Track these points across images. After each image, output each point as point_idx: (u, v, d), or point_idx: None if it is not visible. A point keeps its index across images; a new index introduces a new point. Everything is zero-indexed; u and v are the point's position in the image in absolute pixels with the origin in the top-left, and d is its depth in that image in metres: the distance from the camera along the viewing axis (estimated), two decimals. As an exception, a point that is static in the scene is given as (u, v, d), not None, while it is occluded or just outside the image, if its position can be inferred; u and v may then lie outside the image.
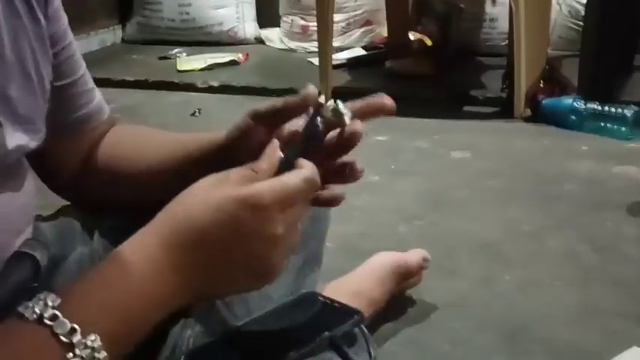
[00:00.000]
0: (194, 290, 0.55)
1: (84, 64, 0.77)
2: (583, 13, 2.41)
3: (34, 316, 0.48)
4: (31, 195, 0.72)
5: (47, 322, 0.48)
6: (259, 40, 3.30)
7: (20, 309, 0.48)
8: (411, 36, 2.78)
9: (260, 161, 0.57)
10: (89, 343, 0.48)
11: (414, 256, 1.14)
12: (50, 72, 0.70)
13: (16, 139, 0.64)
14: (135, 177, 0.77)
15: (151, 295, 0.53)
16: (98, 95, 0.79)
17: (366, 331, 0.76)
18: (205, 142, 0.70)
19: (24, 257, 0.68)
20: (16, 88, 0.64)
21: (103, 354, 0.48)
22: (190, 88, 2.64)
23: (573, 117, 2.08)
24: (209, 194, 0.55)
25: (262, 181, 0.55)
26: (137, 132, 0.82)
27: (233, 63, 2.91)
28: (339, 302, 0.74)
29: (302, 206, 0.56)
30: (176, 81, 2.69)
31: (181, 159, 0.73)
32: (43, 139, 0.69)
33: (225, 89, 2.60)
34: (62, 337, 0.47)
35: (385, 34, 2.92)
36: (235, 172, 0.57)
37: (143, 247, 0.54)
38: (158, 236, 0.54)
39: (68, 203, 0.82)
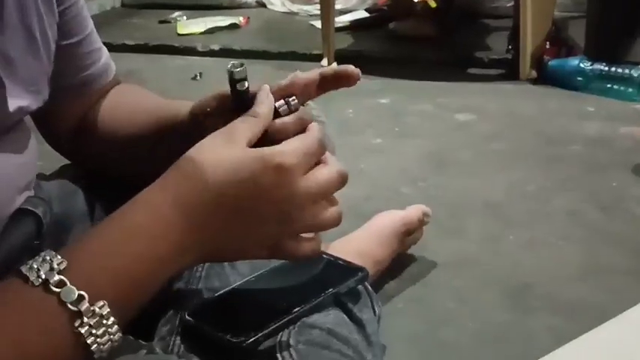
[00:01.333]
0: (205, 252, 0.54)
1: (91, 23, 0.75)
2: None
3: (39, 280, 0.46)
4: (33, 154, 0.71)
5: (54, 289, 0.46)
6: (260, 4, 3.25)
7: (24, 269, 0.47)
8: (415, -2, 2.73)
9: (256, 106, 0.56)
10: (97, 310, 0.47)
11: (414, 211, 1.14)
12: (56, 31, 0.69)
13: (18, 100, 0.64)
14: (124, 140, 0.76)
15: (161, 257, 0.51)
16: (105, 55, 0.78)
17: (370, 288, 0.76)
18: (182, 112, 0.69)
19: (26, 214, 0.68)
20: (19, 50, 0.63)
21: (112, 319, 0.48)
22: (191, 51, 2.61)
23: (579, 78, 2.05)
24: (223, 153, 0.53)
25: (265, 125, 0.54)
26: (132, 95, 0.81)
27: (234, 27, 2.87)
28: (343, 260, 0.74)
29: (325, 172, 0.54)
30: (176, 45, 2.66)
31: (163, 128, 0.72)
32: (45, 100, 0.68)
33: (226, 53, 2.56)
34: (70, 306, 0.46)
35: (389, -5, 2.88)
36: (238, 124, 0.55)
37: (153, 207, 0.52)
38: (170, 196, 0.52)
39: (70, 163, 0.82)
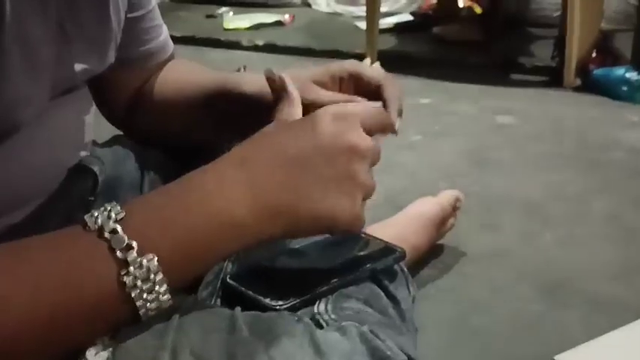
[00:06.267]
0: (271, 215, 0.50)
1: (154, 0, 0.78)
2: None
3: (96, 226, 0.47)
4: (92, 117, 0.75)
5: (106, 235, 0.46)
6: (305, 3, 3.29)
7: (86, 217, 0.48)
8: (460, 3, 2.73)
9: None
10: (145, 262, 0.46)
11: (447, 197, 1.15)
12: (126, 2, 0.72)
13: (84, 61, 0.66)
14: (177, 108, 0.79)
15: (216, 212, 0.49)
16: (165, 32, 0.82)
17: (405, 269, 0.77)
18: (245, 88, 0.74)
19: (85, 170, 0.71)
20: (89, 13, 0.65)
21: (160, 276, 0.47)
22: (236, 46, 2.66)
23: (624, 88, 2.02)
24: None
25: None
26: (183, 68, 0.84)
27: (279, 24, 2.91)
28: (381, 239, 0.75)
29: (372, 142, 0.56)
30: (222, 39, 2.71)
31: (216, 95, 0.76)
32: (110, 64, 0.71)
33: (270, 48, 2.61)
34: (118, 253, 0.46)
35: (434, 0, 2.88)
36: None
37: (211, 165, 0.52)
38: (231, 156, 0.52)
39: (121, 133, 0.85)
